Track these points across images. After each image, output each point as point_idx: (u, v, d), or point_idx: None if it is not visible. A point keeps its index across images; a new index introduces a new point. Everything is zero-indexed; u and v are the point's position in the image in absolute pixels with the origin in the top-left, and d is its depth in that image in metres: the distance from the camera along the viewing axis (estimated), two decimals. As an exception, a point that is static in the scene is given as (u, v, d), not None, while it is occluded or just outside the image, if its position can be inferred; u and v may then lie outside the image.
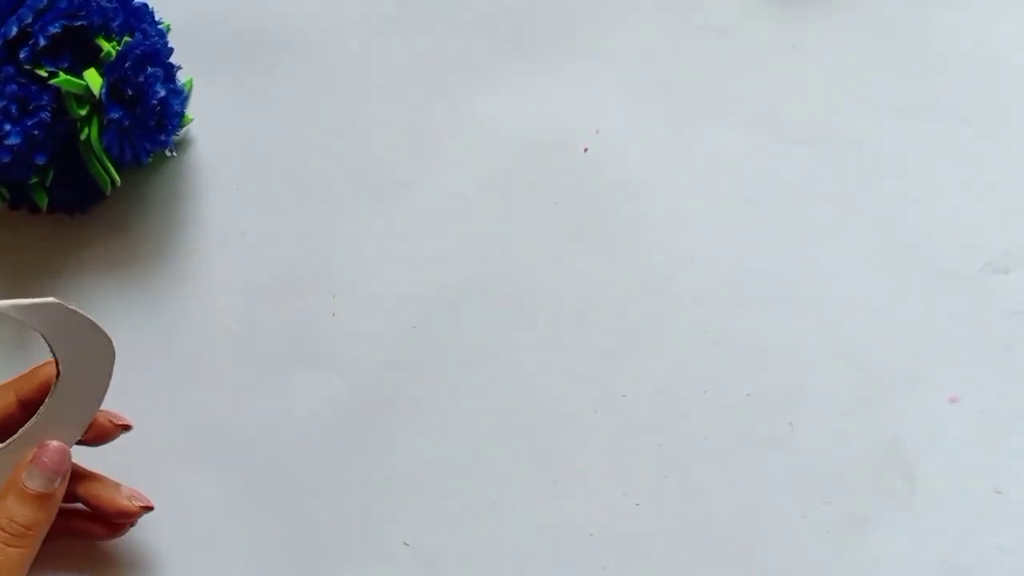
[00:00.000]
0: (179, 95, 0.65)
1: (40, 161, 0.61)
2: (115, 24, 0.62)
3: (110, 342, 0.56)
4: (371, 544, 0.60)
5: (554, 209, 0.65)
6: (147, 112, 0.62)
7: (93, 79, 0.61)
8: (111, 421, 0.59)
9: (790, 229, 0.64)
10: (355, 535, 0.61)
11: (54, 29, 0.60)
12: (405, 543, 0.60)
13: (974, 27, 0.67)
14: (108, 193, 0.64)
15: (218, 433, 0.63)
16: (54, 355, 0.55)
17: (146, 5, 0.65)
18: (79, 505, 0.59)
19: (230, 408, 0.63)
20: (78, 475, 0.58)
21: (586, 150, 0.66)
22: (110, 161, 0.63)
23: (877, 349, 0.61)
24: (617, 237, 0.64)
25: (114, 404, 0.60)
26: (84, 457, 0.58)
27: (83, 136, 0.62)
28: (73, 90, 0.61)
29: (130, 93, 0.62)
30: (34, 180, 0.62)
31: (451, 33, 0.69)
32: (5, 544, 0.54)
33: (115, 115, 0.61)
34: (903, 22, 0.67)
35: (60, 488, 0.56)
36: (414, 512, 0.61)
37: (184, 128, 0.67)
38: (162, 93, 0.63)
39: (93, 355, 0.56)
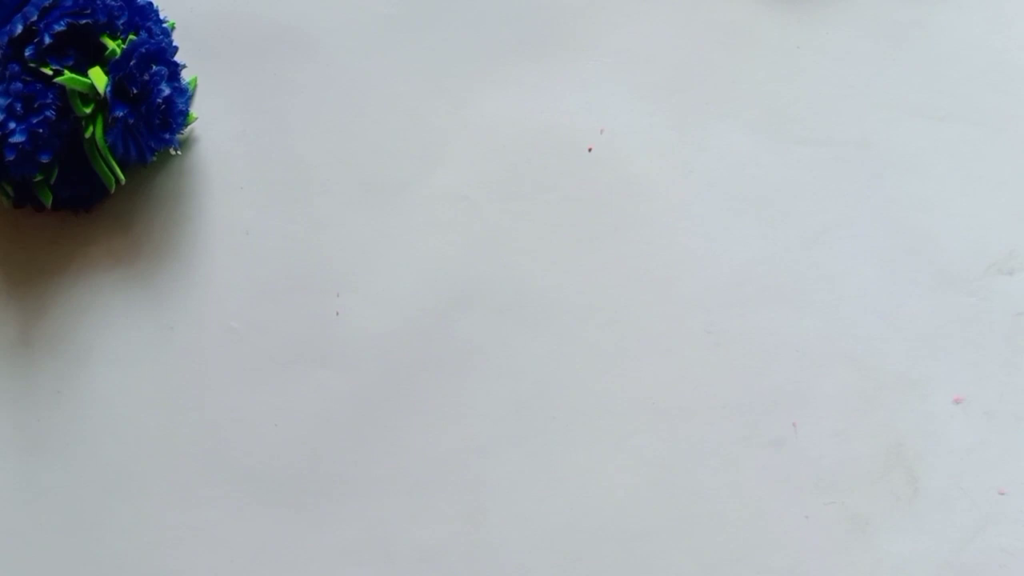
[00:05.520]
0: (183, 93, 0.65)
1: (45, 159, 0.61)
2: (120, 22, 0.62)
3: None
4: (371, 544, 0.60)
5: (558, 209, 0.65)
6: (152, 110, 0.62)
7: (98, 77, 0.61)
8: None
9: (794, 229, 0.64)
10: (355, 535, 0.61)
11: (59, 27, 0.60)
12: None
13: (980, 28, 0.67)
14: (112, 191, 0.64)
15: (219, 432, 0.63)
16: None
17: (151, 3, 0.65)
18: None
19: (231, 407, 0.63)
20: None
21: (591, 150, 0.66)
22: (114, 159, 0.63)
23: (881, 350, 0.61)
24: (621, 237, 0.64)
25: (116, 402, 0.60)
26: (83, 452, 0.58)
27: (88, 134, 0.62)
28: (78, 88, 0.61)
29: (135, 91, 0.62)
30: (39, 178, 0.62)
31: (455, 32, 0.69)
32: None
33: (120, 113, 0.61)
34: (908, 23, 0.67)
35: None
36: (414, 512, 0.61)
37: (188, 126, 0.67)
38: (167, 91, 0.63)
39: None
